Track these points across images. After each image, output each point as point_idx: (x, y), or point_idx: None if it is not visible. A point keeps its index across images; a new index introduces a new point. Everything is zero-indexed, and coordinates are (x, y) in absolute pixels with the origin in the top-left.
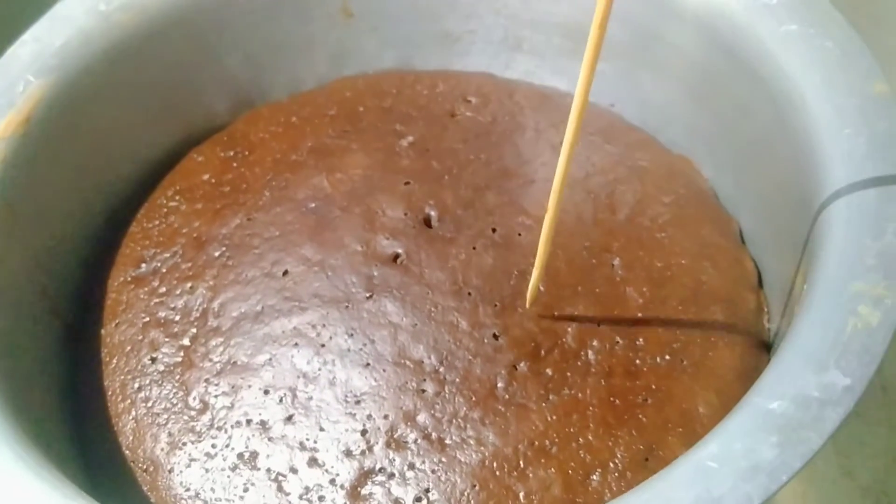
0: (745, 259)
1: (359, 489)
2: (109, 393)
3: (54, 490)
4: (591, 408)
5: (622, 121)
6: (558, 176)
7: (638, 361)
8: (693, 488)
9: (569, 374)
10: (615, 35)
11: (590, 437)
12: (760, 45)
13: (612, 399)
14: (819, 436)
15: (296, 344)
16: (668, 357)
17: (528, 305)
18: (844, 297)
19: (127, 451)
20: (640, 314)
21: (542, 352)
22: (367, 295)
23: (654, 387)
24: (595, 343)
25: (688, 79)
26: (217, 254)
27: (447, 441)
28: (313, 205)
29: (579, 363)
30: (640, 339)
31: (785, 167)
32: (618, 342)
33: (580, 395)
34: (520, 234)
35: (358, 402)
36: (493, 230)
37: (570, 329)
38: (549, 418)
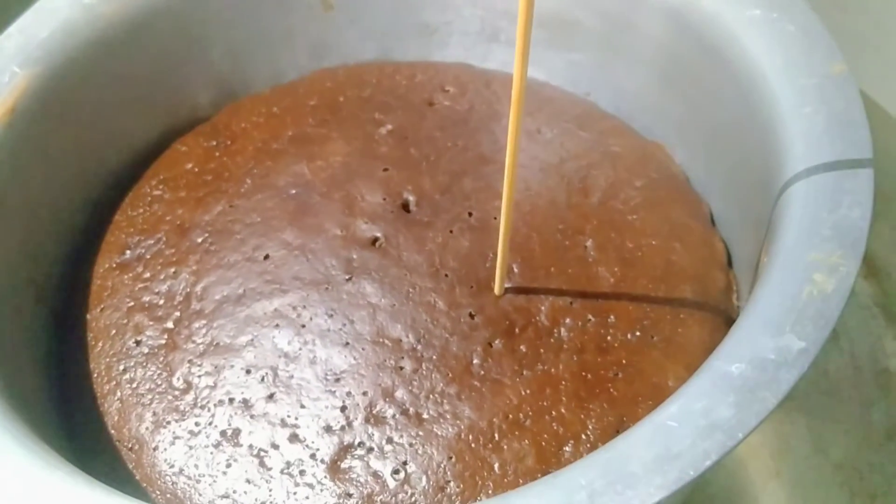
0: (715, 240)
1: (339, 463)
2: (95, 375)
3: (42, 461)
4: (563, 382)
5: (597, 109)
6: (508, 164)
7: (609, 338)
8: (653, 447)
9: (542, 350)
10: (589, 25)
11: (562, 411)
12: (726, 30)
13: (584, 374)
14: (774, 395)
15: (277, 325)
16: (638, 333)
17: (496, 292)
18: (801, 267)
19: (112, 431)
20: (611, 293)
21: (517, 330)
22: (347, 277)
23: (624, 362)
24: (568, 321)
25: (660, 66)
26: (200, 240)
27: (424, 416)
28: (294, 191)
29: (552, 340)
30: (612, 317)
31: (751, 149)
32: (590, 320)
33: (553, 370)
34: (495, 218)
35: (338, 380)
36: (470, 214)
37: (543, 308)
38: (522, 393)
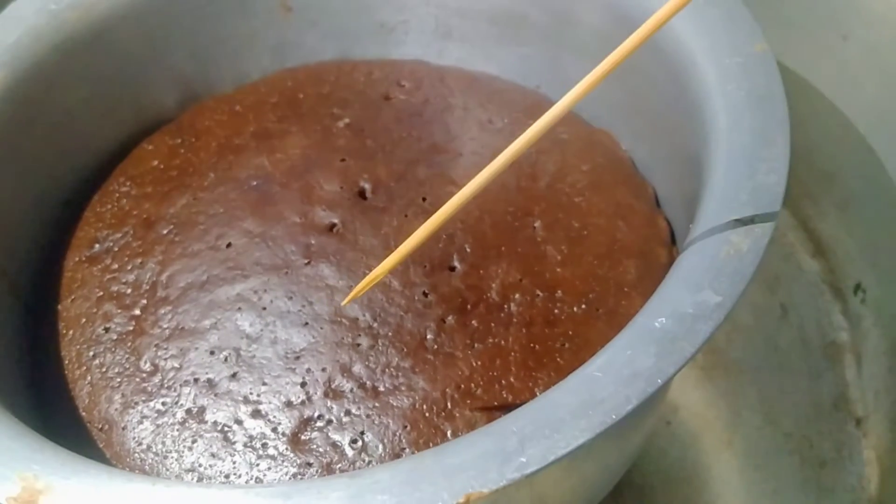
0: (659, 219)
1: (299, 435)
2: (66, 362)
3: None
4: (512, 353)
5: (546, 100)
6: None
7: (556, 311)
8: (579, 395)
9: (493, 324)
10: (536, 19)
11: (512, 380)
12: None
13: (532, 345)
14: (691, 345)
15: (239, 308)
16: (584, 306)
17: (343, 303)
18: (719, 229)
19: (83, 413)
20: (558, 269)
21: (469, 306)
22: (306, 261)
23: (571, 333)
24: (517, 296)
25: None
26: (165, 231)
27: (380, 388)
28: (255, 183)
29: (502, 315)
30: (559, 292)
31: (684, 129)
32: (538, 295)
33: (503, 342)
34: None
35: (298, 358)
36: (424, 199)
37: (494, 285)
38: (474, 364)
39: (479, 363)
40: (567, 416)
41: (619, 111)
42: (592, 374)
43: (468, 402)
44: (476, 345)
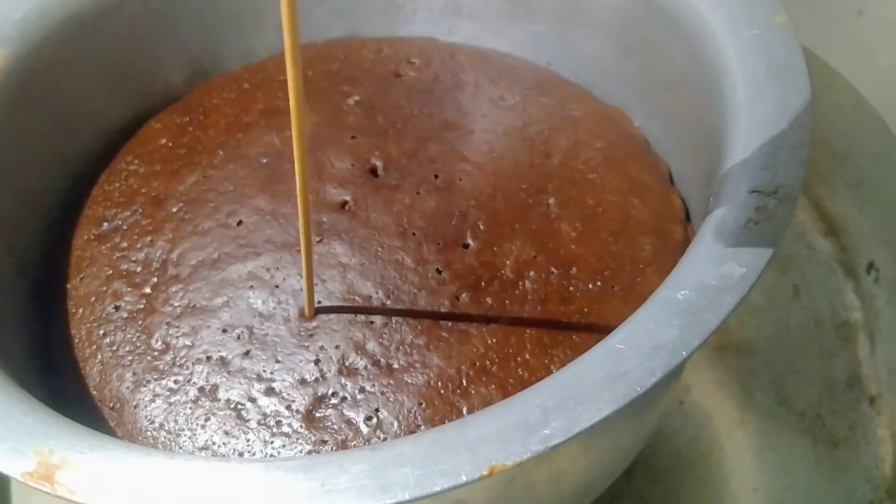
0: (673, 196)
1: (314, 413)
2: (76, 341)
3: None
4: (527, 331)
5: (558, 76)
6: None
7: (571, 288)
8: (603, 367)
9: (507, 302)
10: None
11: (527, 357)
12: None
13: (547, 322)
14: (716, 317)
15: (251, 286)
16: (599, 283)
17: (307, 314)
18: (741, 201)
19: (94, 392)
20: (573, 246)
21: (483, 283)
22: (318, 239)
23: (586, 310)
24: (531, 273)
25: (615, 32)
26: (175, 209)
27: (395, 366)
28: (265, 160)
29: (517, 292)
30: (574, 269)
31: (701, 104)
32: (552, 272)
33: (518, 320)
34: (460, 179)
35: (311, 336)
36: (436, 176)
37: (508, 262)
38: (489, 341)
39: (494, 340)
40: (591, 388)
41: (632, 88)
42: (615, 347)
43: (483, 378)
44: (491, 322)
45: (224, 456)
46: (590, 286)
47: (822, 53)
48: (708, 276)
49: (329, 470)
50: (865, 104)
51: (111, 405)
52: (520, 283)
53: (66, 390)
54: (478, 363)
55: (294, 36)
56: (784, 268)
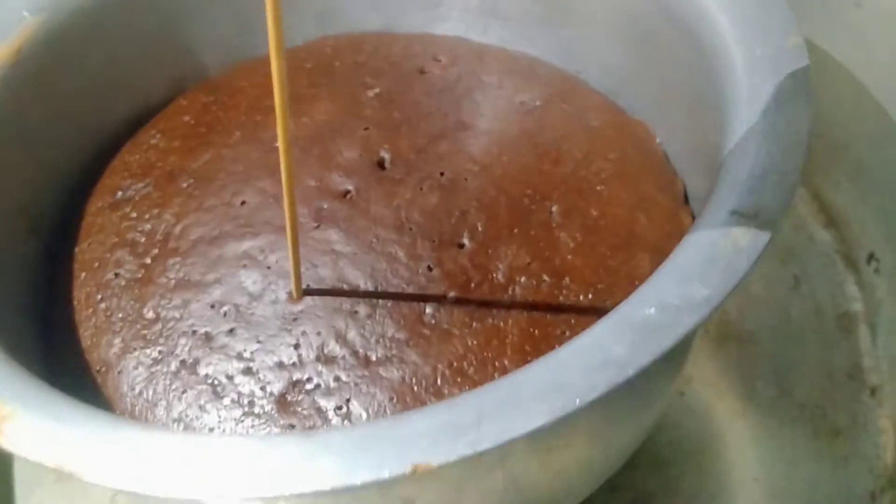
0: (684, 215)
1: (286, 397)
2: (76, 303)
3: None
4: (510, 336)
5: (583, 85)
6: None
7: (561, 298)
8: (546, 377)
9: (494, 305)
10: (585, 4)
11: (506, 363)
12: (697, 6)
13: (531, 330)
14: (670, 337)
15: (244, 265)
16: (591, 296)
17: (295, 296)
18: (721, 221)
19: (85, 354)
20: (570, 257)
21: (472, 284)
22: (315, 225)
23: (573, 322)
24: (523, 279)
25: (638, 44)
26: (185, 185)
27: (372, 358)
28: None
29: (505, 296)
30: (567, 279)
31: (710, 122)
32: (545, 280)
33: (502, 324)
34: (466, 179)
35: (295, 320)
36: (441, 174)
37: (501, 266)
38: (469, 343)
39: (475, 342)
40: (530, 396)
41: (654, 102)
42: (562, 358)
43: (458, 380)
44: (475, 324)
45: (196, 430)
46: (580, 298)
47: (822, 44)
48: (671, 295)
49: (257, 451)
50: (865, 95)
51: (98, 368)
52: (510, 288)
53: (62, 351)
54: (455, 363)
55: (278, 32)
56: (784, 259)
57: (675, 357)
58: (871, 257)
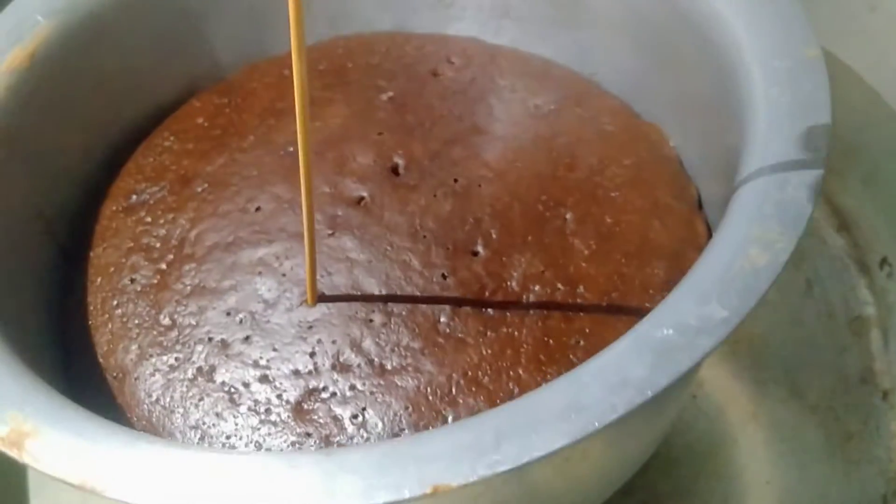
0: (698, 222)
1: (303, 405)
2: (91, 308)
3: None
4: (525, 345)
5: (598, 88)
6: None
7: (576, 307)
8: (565, 397)
9: (508, 314)
10: (595, 4)
11: (520, 372)
12: (712, 12)
13: (546, 339)
14: (689, 358)
15: (259, 272)
16: (605, 304)
17: (309, 302)
18: (739, 241)
19: (101, 360)
20: (584, 264)
21: (486, 293)
22: (330, 232)
23: (588, 331)
24: (537, 288)
25: (654, 47)
26: (200, 189)
27: (387, 367)
28: (291, 149)
29: (520, 305)
30: (581, 287)
31: (728, 130)
32: (559, 288)
33: (516, 333)
34: (480, 186)
35: (310, 328)
36: (455, 180)
37: (515, 274)
38: (484, 352)
39: (490, 351)
40: (549, 417)
41: (669, 106)
42: (581, 378)
43: (473, 389)
44: (489, 332)
45: (212, 438)
46: (595, 306)
47: (835, 49)
48: (689, 316)
49: (277, 469)
50: (878, 99)
51: (114, 374)
52: (524, 297)
53: (77, 356)
54: (470, 373)
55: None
56: (797, 263)
57: (691, 373)
58: (883, 261)
